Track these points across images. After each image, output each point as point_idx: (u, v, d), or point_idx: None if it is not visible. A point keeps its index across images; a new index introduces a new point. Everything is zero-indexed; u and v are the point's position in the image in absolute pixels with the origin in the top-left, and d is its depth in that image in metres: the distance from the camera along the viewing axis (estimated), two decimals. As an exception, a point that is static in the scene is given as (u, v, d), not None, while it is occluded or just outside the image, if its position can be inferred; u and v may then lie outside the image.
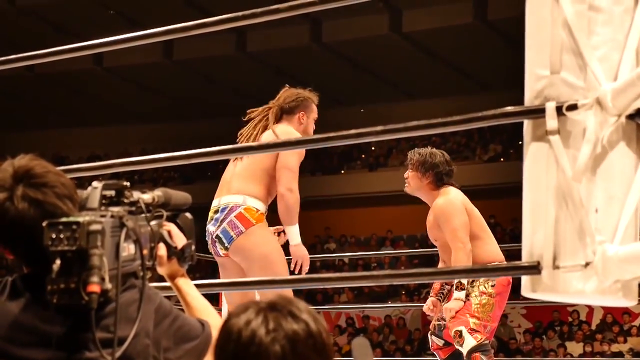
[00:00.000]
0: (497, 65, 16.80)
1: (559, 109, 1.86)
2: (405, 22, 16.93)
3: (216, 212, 4.14)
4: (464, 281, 4.52)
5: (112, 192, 1.70)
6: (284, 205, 4.12)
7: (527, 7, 1.91)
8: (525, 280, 1.86)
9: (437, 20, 16.39)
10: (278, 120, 4.25)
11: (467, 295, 4.57)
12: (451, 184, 4.81)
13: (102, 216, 1.62)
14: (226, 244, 4.08)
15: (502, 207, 16.99)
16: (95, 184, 1.70)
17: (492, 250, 4.66)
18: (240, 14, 2.45)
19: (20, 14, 17.32)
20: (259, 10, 2.40)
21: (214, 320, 1.85)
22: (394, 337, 14.73)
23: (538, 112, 1.88)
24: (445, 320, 4.74)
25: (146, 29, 2.66)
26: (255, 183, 4.12)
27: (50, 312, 1.61)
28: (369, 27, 16.70)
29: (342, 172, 19.51)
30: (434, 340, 4.84)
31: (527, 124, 1.91)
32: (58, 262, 1.55)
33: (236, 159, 4.19)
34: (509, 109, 1.96)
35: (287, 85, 4.47)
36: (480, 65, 17.69)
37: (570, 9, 1.85)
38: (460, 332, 4.55)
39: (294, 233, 4.17)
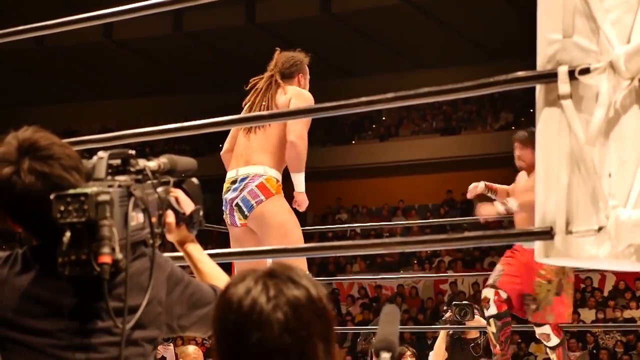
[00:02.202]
0: (507, 33, 16.68)
1: (571, 73, 1.85)
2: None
3: (234, 182, 4.19)
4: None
5: (117, 161, 1.69)
6: (294, 152, 4.17)
7: (539, -28, 1.89)
8: (538, 245, 1.86)
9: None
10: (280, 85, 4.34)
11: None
12: None
13: (110, 186, 1.61)
14: (246, 212, 4.13)
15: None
16: (101, 153, 1.69)
17: None
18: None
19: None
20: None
21: None
22: (406, 306, 14.77)
23: (550, 77, 1.87)
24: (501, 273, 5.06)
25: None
26: (274, 154, 4.20)
27: (62, 283, 1.61)
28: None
29: (353, 142, 19.47)
30: (499, 293, 5.01)
31: (539, 89, 1.90)
32: (68, 234, 1.55)
33: (249, 131, 4.21)
34: (521, 73, 1.95)
35: (278, 48, 4.51)
36: (490, 33, 17.56)
37: (582, -28, 1.83)
38: (489, 299, 4.93)
39: (301, 180, 4.25)
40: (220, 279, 1.86)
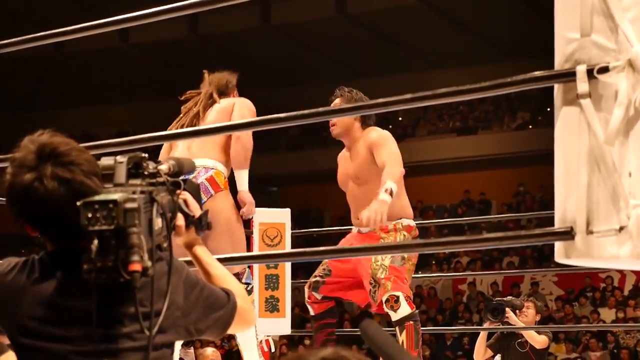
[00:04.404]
0: (522, 32, 16.63)
1: (589, 72, 1.84)
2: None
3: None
4: (395, 190, 4.27)
5: (130, 164, 1.69)
6: (239, 146, 4.14)
7: (556, -30, 1.88)
8: (558, 246, 1.84)
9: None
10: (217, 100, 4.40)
11: (401, 259, 4.43)
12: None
13: (133, 192, 1.61)
14: None
15: (530, 175, 16.90)
16: (119, 158, 1.68)
17: (407, 204, 4.60)
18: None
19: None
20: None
21: (237, 289, 1.85)
22: (425, 306, 14.74)
23: (568, 76, 1.86)
24: (323, 279, 4.68)
25: (171, 4, 2.65)
26: (221, 149, 4.17)
27: (83, 290, 1.61)
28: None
29: (370, 143, 19.45)
30: (312, 294, 4.76)
31: (558, 88, 1.89)
32: (96, 241, 1.54)
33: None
34: (539, 73, 1.94)
35: (206, 71, 4.61)
36: (506, 32, 17.51)
37: (600, -30, 1.82)
38: (398, 297, 4.40)
39: (244, 178, 4.20)
40: (230, 282, 1.86)
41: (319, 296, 4.73)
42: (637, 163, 1.80)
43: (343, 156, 4.79)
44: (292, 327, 5.79)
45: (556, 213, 1.85)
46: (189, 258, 1.88)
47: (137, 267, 1.55)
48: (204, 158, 4.13)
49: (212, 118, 4.26)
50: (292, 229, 5.68)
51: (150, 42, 18.38)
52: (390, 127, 19.78)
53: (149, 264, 1.57)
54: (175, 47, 18.73)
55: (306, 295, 4.80)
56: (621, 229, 1.77)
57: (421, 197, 17.86)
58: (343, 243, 4.72)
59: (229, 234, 4.06)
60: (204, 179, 4.07)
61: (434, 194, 17.89)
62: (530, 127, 18.28)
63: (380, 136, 4.60)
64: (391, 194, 4.19)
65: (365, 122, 4.65)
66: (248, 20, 17.55)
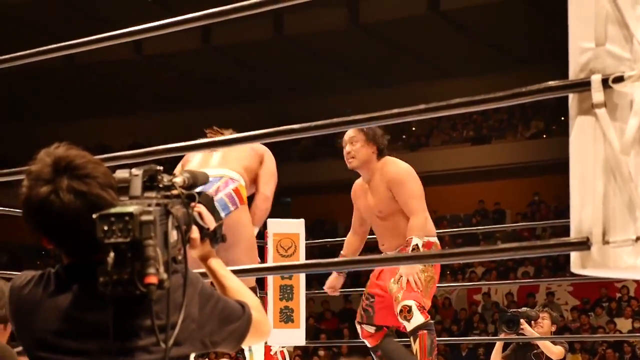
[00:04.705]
0: (534, 40, 16.61)
1: (604, 82, 1.83)
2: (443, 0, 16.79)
3: None
4: (421, 247, 4.37)
5: (145, 177, 1.69)
6: (265, 207, 4.27)
7: (570, -20, 1.87)
8: (574, 256, 1.83)
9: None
10: None
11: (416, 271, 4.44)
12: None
13: (149, 205, 1.61)
14: (222, 215, 3.99)
15: (545, 184, 16.84)
16: (134, 171, 1.68)
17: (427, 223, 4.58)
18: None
19: (59, 3, 17.45)
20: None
21: (252, 301, 1.84)
22: (440, 317, 14.69)
23: (583, 86, 1.85)
24: (372, 307, 4.67)
25: (183, 15, 2.66)
26: (245, 170, 4.19)
27: (99, 302, 1.60)
28: (406, 6, 16.58)
29: (384, 153, 19.45)
30: (364, 329, 4.73)
31: (573, 98, 1.88)
32: (112, 254, 1.54)
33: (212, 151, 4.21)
34: (553, 83, 1.93)
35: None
36: (518, 41, 17.49)
37: (614, -21, 1.81)
38: (410, 307, 4.40)
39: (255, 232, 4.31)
40: (244, 294, 1.86)
41: (371, 329, 4.71)
42: (653, 173, 1.79)
43: (361, 188, 4.78)
44: (307, 338, 5.78)
45: (572, 223, 1.84)
46: (203, 270, 1.88)
47: (153, 279, 1.54)
48: (230, 170, 4.13)
49: (241, 151, 4.25)
50: (306, 240, 5.69)
51: (164, 54, 18.45)
52: (404, 136, 19.77)
53: (165, 276, 1.57)
54: (189, 59, 18.79)
55: (359, 331, 4.77)
56: (638, 239, 1.76)
57: (435, 207, 17.80)
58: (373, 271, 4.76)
59: (250, 249, 4.07)
60: (232, 189, 4.05)
61: (448, 204, 17.84)
62: (545, 136, 18.23)
63: (398, 173, 4.59)
64: (418, 249, 4.34)
65: (381, 153, 4.63)
66: (261, 31, 17.59)
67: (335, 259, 2.08)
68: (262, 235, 5.53)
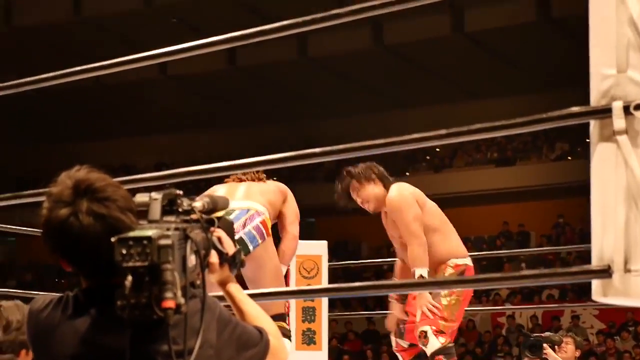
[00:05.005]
0: (561, 62, 16.56)
1: (626, 109, 1.82)
2: (467, 21, 16.80)
3: (228, 212, 4.14)
4: (426, 275, 4.36)
5: (165, 201, 1.68)
6: (294, 246, 4.31)
7: (591, 7, 1.87)
8: (595, 284, 1.82)
9: (500, 19, 16.23)
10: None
11: (436, 295, 4.43)
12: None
13: (167, 229, 1.60)
14: (250, 248, 4.01)
15: (570, 206, 16.74)
16: (154, 194, 1.68)
17: (451, 245, 4.58)
18: (300, 19, 2.45)
19: (85, 25, 17.63)
20: (319, 15, 2.39)
21: (270, 327, 1.83)
22: (463, 339, 14.60)
23: (605, 112, 1.84)
24: (404, 325, 4.65)
25: (209, 37, 2.68)
26: (270, 207, 4.20)
27: (117, 327, 1.61)
28: (431, 28, 16.60)
29: (407, 174, 19.42)
30: (398, 342, 4.71)
31: (594, 125, 1.87)
32: (130, 277, 1.54)
33: (242, 181, 4.26)
34: (575, 109, 1.92)
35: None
36: (543, 62, 17.45)
37: (636, 6, 1.81)
38: (426, 332, 4.40)
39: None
40: (262, 320, 1.85)
41: (405, 344, 4.68)
42: (676, 200, 1.78)
43: (384, 216, 4.76)
44: (330, 359, 5.77)
45: (593, 251, 1.83)
46: (220, 293, 1.88)
47: (170, 304, 1.54)
48: (257, 203, 4.15)
49: (264, 186, 4.28)
50: (329, 261, 5.68)
51: (189, 74, 18.56)
52: (428, 157, 19.74)
53: (182, 301, 1.56)
54: (214, 79, 18.89)
55: (393, 344, 4.77)
56: (660, 267, 1.75)
57: (458, 228, 17.74)
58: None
59: (277, 280, 4.07)
60: (259, 222, 4.06)
61: (472, 226, 17.77)
62: (569, 157, 18.15)
63: (390, 201, 4.55)
64: (423, 279, 4.28)
65: (383, 180, 4.60)
66: (285, 52, 17.67)
67: (357, 284, 2.07)
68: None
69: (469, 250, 4.74)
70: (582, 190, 1.93)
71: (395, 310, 4.69)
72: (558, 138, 18.52)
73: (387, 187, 4.59)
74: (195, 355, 1.61)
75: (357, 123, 19.45)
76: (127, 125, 21.39)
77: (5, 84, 3.08)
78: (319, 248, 5.59)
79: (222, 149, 20.81)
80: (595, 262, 1.81)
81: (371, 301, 16.05)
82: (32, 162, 21.23)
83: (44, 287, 15.65)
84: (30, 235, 4.58)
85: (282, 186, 4.38)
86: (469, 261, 4.63)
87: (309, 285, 5.47)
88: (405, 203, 4.52)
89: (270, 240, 4.12)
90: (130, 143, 21.86)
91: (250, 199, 4.14)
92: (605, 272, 1.78)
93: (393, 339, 4.75)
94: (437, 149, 19.59)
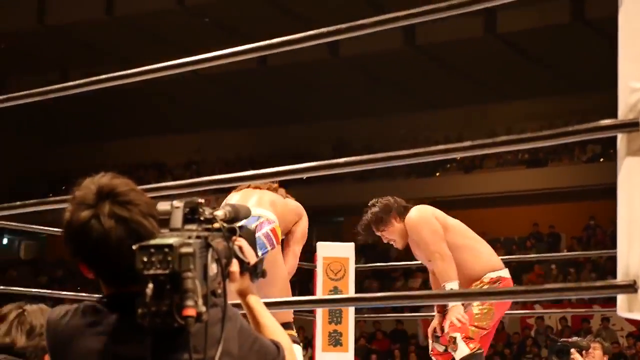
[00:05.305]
0: (594, 64, 16.42)
1: (654, 123, 1.81)
2: (500, 22, 16.70)
3: None
4: (456, 288, 4.38)
5: (187, 210, 1.68)
6: (295, 264, 4.35)
7: (620, 19, 1.86)
8: (621, 299, 1.80)
9: (533, 20, 16.13)
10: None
11: (467, 305, 4.46)
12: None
13: (189, 237, 1.60)
14: (259, 254, 4.02)
15: (601, 208, 16.60)
16: (176, 203, 1.68)
17: (483, 260, 4.57)
18: (333, 28, 2.46)
19: (117, 24, 17.74)
20: (355, 24, 2.40)
21: (286, 343, 1.82)
22: (492, 341, 14.54)
23: (632, 126, 1.83)
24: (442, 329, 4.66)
25: (241, 37, 2.68)
26: (280, 219, 4.21)
27: (137, 335, 1.60)
28: (462, 28, 16.53)
29: (437, 174, 19.35)
30: (434, 347, 4.72)
31: (621, 138, 1.86)
32: (151, 285, 1.54)
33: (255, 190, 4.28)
34: (603, 122, 1.91)
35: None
36: (577, 65, 17.32)
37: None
38: (455, 338, 4.44)
39: None
40: (279, 334, 1.83)
41: (441, 348, 4.69)
42: (703, 216, 1.76)
43: (410, 242, 4.79)
44: (357, 356, 5.76)
45: (619, 265, 1.81)
46: (238, 301, 1.87)
47: (191, 312, 1.53)
48: (268, 211, 4.16)
49: (275, 197, 4.30)
50: (356, 263, 5.67)
51: (221, 73, 18.62)
52: (458, 158, 19.66)
53: (204, 309, 1.55)
54: (245, 78, 18.94)
55: (430, 348, 4.79)
56: (685, 283, 1.73)
57: (488, 229, 17.67)
58: None
59: (285, 289, 4.10)
60: (269, 230, 4.08)
61: (502, 226, 17.69)
62: (602, 159, 18.00)
63: (409, 225, 4.61)
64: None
65: (401, 213, 4.65)
66: (317, 52, 17.66)
67: (382, 294, 2.06)
68: (312, 258, 5.54)
69: (498, 250, 4.72)
70: (613, 192, 1.91)
71: (435, 321, 4.72)
72: (590, 140, 18.37)
73: (403, 219, 4.65)
74: None
75: (387, 123, 19.42)
76: (158, 123, 21.50)
77: (45, 88, 3.10)
78: (346, 250, 5.59)
79: (251, 149, 20.88)
80: (621, 277, 1.80)
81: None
82: (65, 161, 21.41)
83: (76, 283, 15.79)
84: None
85: (300, 208, 4.43)
86: (504, 273, 4.62)
87: (335, 287, 5.48)
88: (422, 221, 4.56)
89: (279, 250, 4.15)
90: (161, 141, 21.97)
91: (262, 207, 4.15)
92: (631, 287, 1.77)
93: (430, 342, 4.77)
94: (468, 150, 19.49)
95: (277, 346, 1.78)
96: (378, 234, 4.70)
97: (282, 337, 1.83)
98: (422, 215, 4.59)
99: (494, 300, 4.18)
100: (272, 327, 1.84)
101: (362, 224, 4.71)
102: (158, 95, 19.95)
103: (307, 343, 10.44)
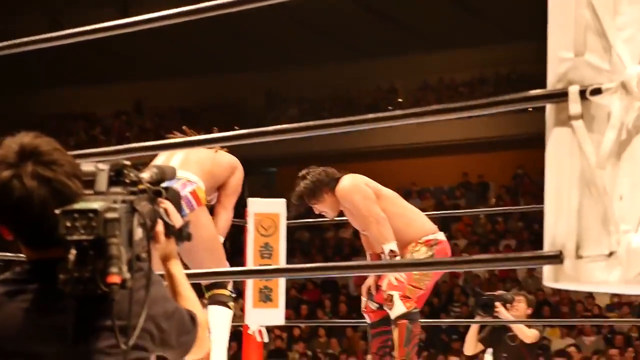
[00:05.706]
0: (523, 13, 16.53)
1: (582, 93, 1.81)
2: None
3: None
4: (395, 248, 4.47)
5: (112, 172, 1.64)
6: (227, 218, 4.32)
7: (549, -12, 1.85)
8: (547, 269, 1.82)
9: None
10: None
11: None
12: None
13: (114, 201, 1.56)
14: None
15: (530, 158, 16.83)
16: (101, 165, 1.64)
17: (416, 226, 4.65)
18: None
19: None
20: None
21: (200, 316, 1.80)
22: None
23: (561, 96, 1.83)
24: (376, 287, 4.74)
25: None
26: (207, 176, 4.20)
27: (61, 303, 1.58)
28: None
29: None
30: (368, 304, 4.81)
31: (550, 108, 1.86)
32: (73, 251, 1.50)
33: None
34: (531, 93, 1.91)
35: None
36: (507, 13, 17.40)
37: (594, -12, 1.79)
38: (392, 296, 4.51)
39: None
40: (196, 307, 1.82)
41: (374, 306, 4.75)
42: (629, 187, 1.78)
43: (344, 210, 4.84)
44: (288, 308, 5.81)
45: (545, 236, 1.83)
46: (161, 272, 1.84)
47: (115, 279, 1.50)
48: (188, 172, 4.12)
49: (203, 154, 4.27)
50: (287, 218, 5.67)
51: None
52: (390, 107, 19.72)
53: (128, 276, 1.52)
54: (178, 27, 18.59)
55: (362, 304, 4.82)
56: (611, 254, 1.75)
57: (417, 179, 17.84)
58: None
59: (210, 251, 4.07)
60: (188, 192, 4.05)
61: (431, 176, 17.88)
62: (531, 109, 18.23)
63: (341, 194, 4.66)
64: (394, 253, 4.41)
65: (331, 186, 4.68)
66: None
67: (314, 264, 2.05)
68: (242, 214, 5.52)
69: (427, 200, 4.79)
70: (541, 142, 1.92)
71: (370, 279, 4.77)
72: (519, 90, 18.54)
73: (333, 190, 4.69)
74: (139, 331, 1.58)
75: (316, 71, 19.34)
76: (87, 73, 21.07)
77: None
78: (278, 206, 5.58)
79: (184, 100, 20.63)
80: (548, 248, 1.81)
81: (331, 251, 16.13)
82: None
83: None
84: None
85: (234, 161, 4.38)
86: (440, 236, 4.68)
87: (266, 243, 5.47)
88: (354, 188, 4.60)
89: (202, 209, 4.12)
90: (90, 91, 21.57)
91: (183, 169, 4.11)
92: (557, 258, 1.78)
93: (363, 299, 4.81)
94: (400, 99, 19.58)
95: (194, 319, 1.77)
96: (310, 205, 4.71)
97: (199, 310, 1.81)
98: (353, 183, 4.62)
99: (428, 271, 4.24)
100: (192, 299, 1.83)
101: (294, 196, 4.75)
102: (88, 46, 19.54)
103: (238, 294, 10.45)
